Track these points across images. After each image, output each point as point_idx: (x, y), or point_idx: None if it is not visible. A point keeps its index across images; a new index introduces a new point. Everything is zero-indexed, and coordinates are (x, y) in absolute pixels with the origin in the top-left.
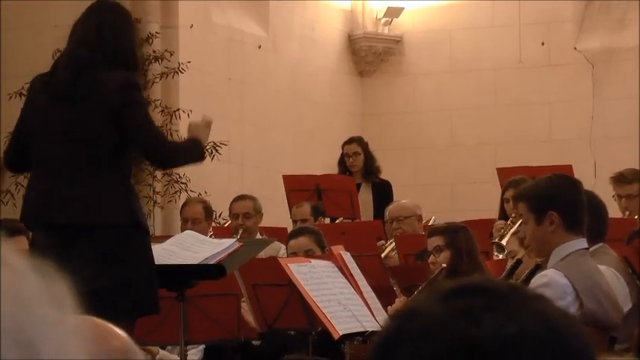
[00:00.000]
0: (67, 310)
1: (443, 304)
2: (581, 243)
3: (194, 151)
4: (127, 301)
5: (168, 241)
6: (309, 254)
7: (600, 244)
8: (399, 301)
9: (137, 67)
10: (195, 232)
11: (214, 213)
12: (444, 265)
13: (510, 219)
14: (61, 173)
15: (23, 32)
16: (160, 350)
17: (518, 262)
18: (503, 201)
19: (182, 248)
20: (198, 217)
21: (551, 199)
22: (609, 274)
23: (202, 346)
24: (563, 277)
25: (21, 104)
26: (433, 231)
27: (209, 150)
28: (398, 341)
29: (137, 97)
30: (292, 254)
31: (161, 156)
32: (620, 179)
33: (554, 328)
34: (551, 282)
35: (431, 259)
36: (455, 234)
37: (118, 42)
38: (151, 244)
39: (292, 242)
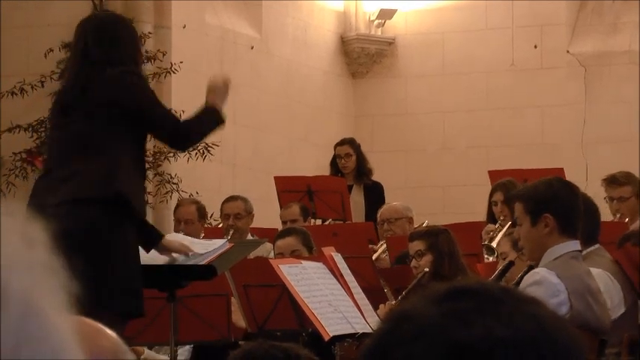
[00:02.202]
0: (39, 247)
1: (436, 306)
2: (574, 245)
3: (210, 120)
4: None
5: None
6: (295, 254)
7: (596, 247)
8: (384, 307)
9: (139, 62)
10: (182, 235)
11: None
12: (427, 269)
13: (499, 222)
14: (58, 158)
15: (16, 32)
16: (146, 350)
17: (510, 263)
18: (490, 204)
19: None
20: (192, 217)
21: (549, 201)
22: (604, 277)
23: (190, 346)
24: (554, 277)
25: (13, 103)
26: (414, 235)
27: (201, 150)
28: (391, 344)
29: (137, 84)
30: (279, 254)
31: (177, 139)
32: (613, 181)
33: (547, 330)
34: (544, 280)
35: (413, 263)
36: (435, 237)
37: (121, 48)
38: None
39: (279, 242)
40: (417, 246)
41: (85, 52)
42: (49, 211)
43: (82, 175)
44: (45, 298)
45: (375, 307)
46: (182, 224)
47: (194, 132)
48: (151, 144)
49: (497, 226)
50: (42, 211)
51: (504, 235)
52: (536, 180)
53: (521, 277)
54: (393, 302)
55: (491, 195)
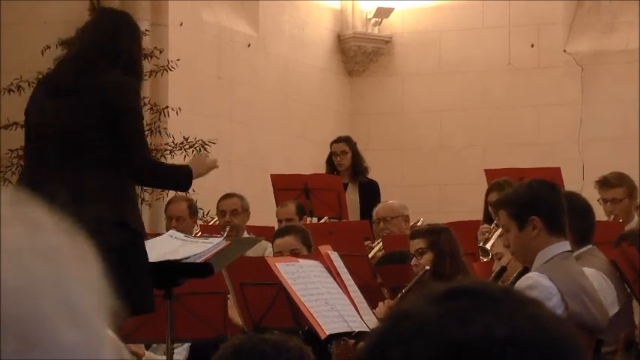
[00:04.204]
0: (93, 268)
1: (435, 306)
2: (564, 246)
3: (178, 177)
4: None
5: (151, 241)
6: (295, 253)
7: (589, 247)
8: (382, 305)
9: (140, 76)
10: (175, 231)
11: (202, 211)
12: (427, 267)
13: (495, 222)
14: (50, 165)
15: (13, 29)
16: (146, 352)
17: (503, 269)
18: (487, 204)
19: (164, 251)
20: (183, 215)
21: (532, 204)
22: (598, 277)
23: (188, 345)
24: (547, 280)
25: (10, 100)
26: (415, 233)
27: (197, 148)
28: (389, 342)
29: (136, 103)
30: (278, 253)
31: (142, 172)
32: (605, 183)
33: (546, 331)
34: (537, 284)
35: (413, 261)
36: (437, 236)
37: (124, 47)
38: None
39: (278, 241)
40: (417, 244)
41: (87, 45)
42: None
43: (79, 191)
44: (103, 321)
45: (372, 306)
46: (173, 221)
47: (159, 176)
48: (148, 140)
49: (492, 227)
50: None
51: (499, 235)
52: (517, 184)
53: (516, 278)
54: (392, 301)
55: (487, 195)
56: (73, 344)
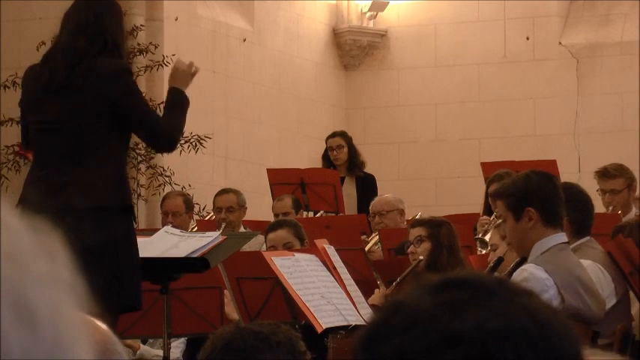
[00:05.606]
0: (61, 265)
1: (429, 297)
2: (561, 237)
3: (183, 109)
4: (113, 296)
5: (148, 238)
6: (288, 247)
7: (587, 238)
8: (378, 292)
9: (126, 57)
10: (172, 227)
11: (198, 206)
12: (422, 257)
13: (495, 214)
14: (55, 160)
15: (8, 25)
16: (142, 345)
17: (500, 260)
18: (487, 196)
19: (165, 247)
20: (179, 210)
21: (529, 195)
22: (595, 269)
23: (184, 339)
24: (543, 272)
25: (6, 96)
26: (417, 222)
27: (193, 143)
28: (384, 333)
29: (133, 84)
30: (271, 247)
31: (165, 142)
32: (605, 174)
33: (540, 322)
34: (532, 277)
35: (411, 248)
36: (438, 227)
37: (109, 32)
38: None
39: (271, 235)
40: (418, 232)
41: (74, 34)
42: (60, 217)
43: (86, 181)
44: (70, 317)
45: (368, 299)
46: (170, 216)
47: (176, 130)
48: None
49: (492, 218)
50: (53, 218)
51: (494, 227)
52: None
53: (513, 269)
54: (387, 289)
55: (487, 187)
56: (21, 347)
